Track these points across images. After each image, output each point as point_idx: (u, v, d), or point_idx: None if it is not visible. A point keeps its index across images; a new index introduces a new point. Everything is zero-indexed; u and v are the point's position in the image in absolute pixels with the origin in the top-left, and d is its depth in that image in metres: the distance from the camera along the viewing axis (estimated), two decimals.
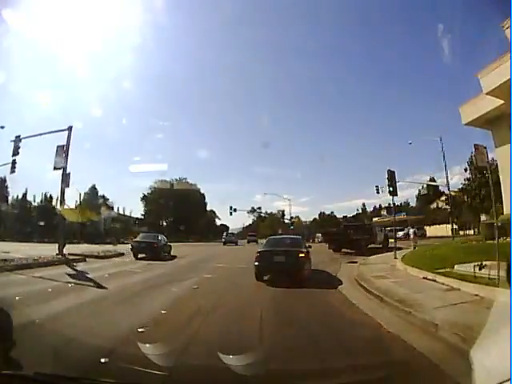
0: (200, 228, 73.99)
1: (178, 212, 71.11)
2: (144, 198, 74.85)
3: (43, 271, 11.98)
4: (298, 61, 64.77)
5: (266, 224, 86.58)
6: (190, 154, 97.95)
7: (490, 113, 18.66)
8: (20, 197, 57.73)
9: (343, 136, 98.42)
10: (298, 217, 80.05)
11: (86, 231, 48.53)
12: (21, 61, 42.20)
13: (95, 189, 66.11)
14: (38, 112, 57.15)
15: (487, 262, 8.50)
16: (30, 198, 58.51)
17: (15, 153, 20.97)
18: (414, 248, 20.33)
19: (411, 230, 22.92)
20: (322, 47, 64.89)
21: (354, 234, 23.95)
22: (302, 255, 10.97)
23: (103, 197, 68.61)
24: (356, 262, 15.81)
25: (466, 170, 33.68)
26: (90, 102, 63.85)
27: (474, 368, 1.85)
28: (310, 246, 13.57)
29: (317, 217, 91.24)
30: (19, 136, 21.29)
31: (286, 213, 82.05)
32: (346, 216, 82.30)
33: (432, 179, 57.95)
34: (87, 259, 17.53)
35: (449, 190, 28.91)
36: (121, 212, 69.85)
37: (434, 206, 66.21)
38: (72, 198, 55.77)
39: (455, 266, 9.89)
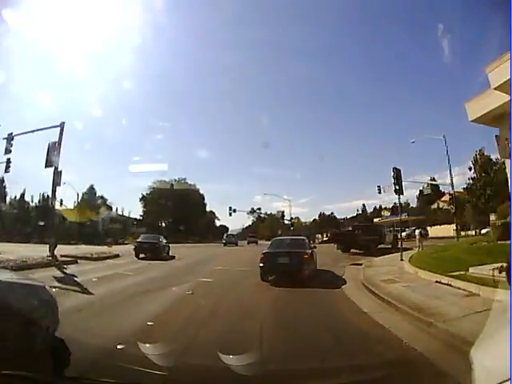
0: (199, 229, 73.38)
1: (178, 213, 70.52)
2: (143, 199, 74.26)
3: (29, 274, 11.14)
4: (297, 61, 64.31)
5: (265, 225, 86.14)
6: (189, 154, 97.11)
7: (497, 109, 17.99)
8: (18, 197, 57.06)
9: (343, 136, 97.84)
10: (297, 218, 79.40)
11: (84, 232, 47.96)
12: (20, 61, 41.84)
13: (93, 189, 65.47)
14: (37, 112, 56.45)
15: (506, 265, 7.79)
16: (28, 198, 57.77)
17: (8, 151, 20.36)
18: (421, 249, 19.61)
19: (417, 231, 22.14)
20: (321, 47, 64.64)
21: (362, 235, 23.84)
22: (306, 256, 11.07)
23: (102, 197, 68.34)
24: (361, 264, 15.04)
25: (470, 168, 33.06)
26: (90, 102, 63.58)
27: (473, 368, 1.81)
28: (314, 247, 13.45)
29: (317, 218, 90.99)
30: (11, 134, 20.68)
31: (285, 214, 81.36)
32: (354, 216, 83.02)
33: (432, 179, 57.24)
34: (79, 261, 16.84)
35: (453, 188, 28.18)
36: (119, 212, 69.47)
37: (434, 206, 65.77)
38: (70, 199, 55.31)
39: (470, 269, 9.18)
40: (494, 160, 31.96)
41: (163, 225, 76.02)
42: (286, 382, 3.45)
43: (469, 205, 37.75)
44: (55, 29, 44.03)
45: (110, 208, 67.88)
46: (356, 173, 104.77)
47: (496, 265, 8.06)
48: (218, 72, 73.53)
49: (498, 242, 14.18)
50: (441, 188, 56.56)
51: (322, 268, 13.40)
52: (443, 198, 64.96)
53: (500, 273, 7.75)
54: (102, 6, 41.02)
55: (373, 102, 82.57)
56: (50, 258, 16.03)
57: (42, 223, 42.58)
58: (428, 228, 49.16)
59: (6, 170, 20.95)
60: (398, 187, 16.26)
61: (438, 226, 49.55)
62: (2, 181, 52.73)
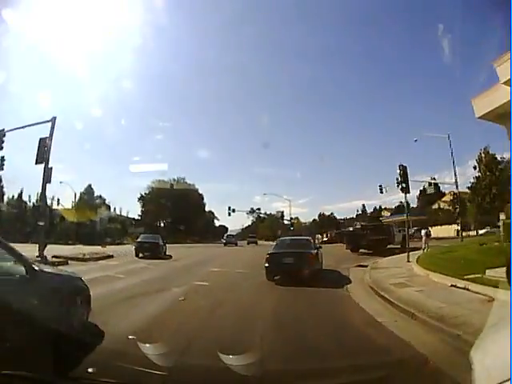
0: (199, 229, 72.67)
1: (176, 212, 69.81)
2: (141, 199, 73.40)
3: None
4: (298, 60, 63.71)
5: (265, 225, 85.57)
6: (189, 154, 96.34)
7: (504, 106, 17.29)
8: (16, 196, 56.24)
9: (343, 136, 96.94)
10: (297, 218, 78.71)
11: (82, 232, 47.22)
12: (20, 61, 41.47)
13: (91, 188, 64.76)
14: (37, 112, 57.52)
15: None
16: (25, 197, 56.92)
17: None
18: (426, 250, 18.88)
19: (423, 231, 21.39)
20: (322, 47, 63.66)
21: (371, 235, 23.75)
22: (311, 256, 11.11)
23: (100, 197, 67.77)
24: (366, 266, 14.27)
25: (475, 167, 32.28)
26: (90, 102, 63.80)
27: (473, 368, 1.79)
28: (320, 247, 13.33)
29: (316, 218, 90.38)
30: (3, 130, 19.95)
31: (285, 214, 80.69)
32: (354, 217, 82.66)
33: (433, 179, 56.74)
34: (70, 262, 16.07)
35: (457, 188, 27.48)
36: (118, 212, 68.96)
37: (435, 206, 65.22)
38: (69, 198, 54.69)
39: (486, 271, 8.45)
40: (499, 159, 31.33)
41: (162, 225, 75.34)
42: (286, 382, 3.45)
43: (470, 205, 37.10)
44: (55, 29, 43.77)
45: (109, 208, 67.61)
46: (356, 173, 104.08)
47: None
48: (219, 72, 73.11)
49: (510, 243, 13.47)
50: (441, 188, 56.12)
51: (327, 269, 12.91)
52: (444, 198, 64.67)
53: None
54: (102, 5, 40.86)
55: (373, 101, 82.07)
56: (39, 259, 15.22)
57: (41, 223, 42.93)
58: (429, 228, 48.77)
59: (1, 167, 20.27)
60: (404, 185, 15.50)
61: (439, 227, 49.03)
62: (0, 180, 52.05)
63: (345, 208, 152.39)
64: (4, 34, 24.95)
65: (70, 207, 52.65)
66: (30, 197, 56.49)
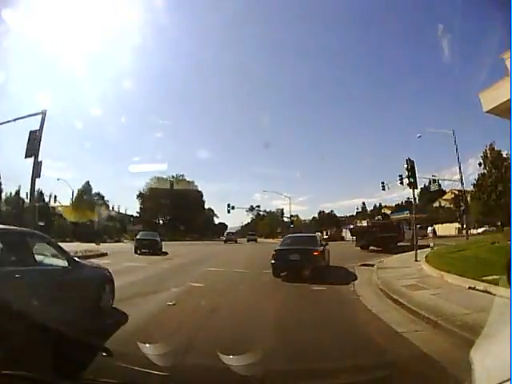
0: (198, 226, 72.01)
1: (175, 210, 69.22)
2: (140, 196, 72.67)
3: None
4: (298, 59, 63.20)
5: (265, 222, 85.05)
6: (189, 153, 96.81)
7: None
8: (13, 194, 55.41)
9: (343, 135, 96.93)
10: (297, 215, 77.93)
11: (79, 229, 46.49)
12: (20, 60, 41.00)
13: (89, 185, 63.95)
14: (37, 111, 55.26)
15: None
16: (23, 195, 56.08)
17: None
18: (432, 248, 18.14)
19: (430, 228, 20.68)
20: (322, 46, 63.57)
21: (381, 232, 23.63)
22: (317, 253, 11.09)
23: (98, 194, 67.27)
24: (372, 265, 13.50)
25: (480, 164, 31.40)
26: (90, 102, 63.75)
27: (473, 368, 1.80)
28: (326, 244, 13.26)
29: (316, 215, 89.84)
30: None
31: (285, 211, 79.96)
32: (359, 212, 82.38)
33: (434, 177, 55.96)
34: None
35: (462, 185, 26.73)
36: (116, 210, 68.50)
37: (436, 204, 64.65)
38: (67, 196, 54.17)
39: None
40: (505, 155, 30.50)
41: (161, 222, 74.71)
42: (285, 382, 3.45)
43: (473, 202, 36.32)
44: (55, 28, 43.50)
45: (107, 205, 67.13)
46: (355, 171, 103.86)
47: None
48: (219, 71, 73.28)
49: None
50: (441, 186, 55.47)
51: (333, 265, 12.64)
52: (445, 197, 64.10)
53: None
54: (102, 5, 40.46)
55: (372, 100, 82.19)
56: None
57: (41, 223, 41.01)
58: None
59: None
60: (412, 180, 14.69)
61: (440, 225, 48.48)
62: None
63: (345, 206, 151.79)
64: (3, 34, 24.64)
65: (68, 205, 52.23)
66: (27, 194, 55.63)
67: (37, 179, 17.58)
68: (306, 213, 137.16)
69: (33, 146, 17.26)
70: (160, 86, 74.92)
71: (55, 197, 51.40)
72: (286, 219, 74.45)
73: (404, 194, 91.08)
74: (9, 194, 54.49)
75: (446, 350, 4.31)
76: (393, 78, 74.60)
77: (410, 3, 49.53)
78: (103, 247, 26.59)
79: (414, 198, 15.73)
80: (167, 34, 54.27)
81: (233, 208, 56.36)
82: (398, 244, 23.12)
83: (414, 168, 14.63)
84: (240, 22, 53.15)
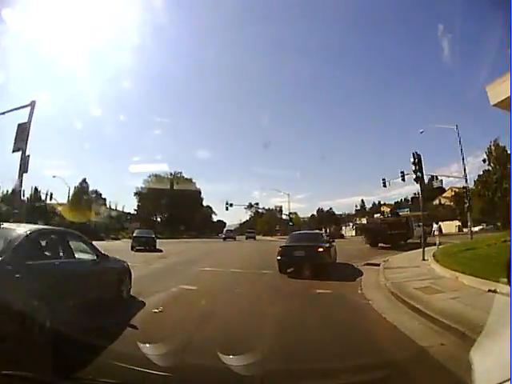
0: (196, 224, 71.42)
1: (173, 207, 68.62)
2: (137, 193, 71.86)
3: None
4: (298, 58, 62.93)
5: (263, 220, 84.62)
6: (188, 151, 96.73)
7: None
8: (10, 191, 54.68)
9: (341, 132, 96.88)
10: (295, 213, 77.37)
11: (75, 227, 45.60)
12: (19, 60, 40.48)
13: (86, 183, 63.27)
14: (37, 111, 54.78)
15: None
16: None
17: None
18: (438, 246, 17.43)
19: (435, 226, 19.96)
20: (321, 45, 63.40)
21: (390, 229, 23.64)
22: (322, 250, 11.22)
23: (96, 192, 66.70)
24: (378, 265, 12.75)
25: (484, 161, 30.68)
26: (90, 101, 64.12)
27: (473, 368, 1.81)
28: (333, 241, 13.40)
29: (315, 213, 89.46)
30: None
31: (283, 209, 79.47)
32: (358, 209, 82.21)
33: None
34: None
35: (466, 182, 26.04)
36: (113, 207, 67.84)
37: (435, 202, 64.09)
38: (64, 194, 53.58)
39: None
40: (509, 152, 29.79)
41: (158, 220, 73.99)
42: (285, 382, 3.41)
43: (473, 199, 35.64)
44: (54, 28, 44.37)
45: (104, 203, 66.51)
46: (354, 169, 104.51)
47: None
48: (219, 70, 72.92)
49: None
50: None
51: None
52: (444, 194, 63.55)
53: None
54: (101, 4, 40.39)
55: (371, 99, 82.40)
56: None
57: (41, 223, 41.74)
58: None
59: None
60: (419, 174, 13.91)
61: (441, 223, 47.93)
62: None
63: (343, 203, 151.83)
64: (2, 34, 25.41)
65: (65, 202, 51.52)
66: (24, 192, 54.94)
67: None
68: (305, 210, 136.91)
69: (21, 140, 16.47)
70: (159, 86, 76.16)
71: (51, 194, 50.69)
72: (284, 217, 74.18)
73: (403, 191, 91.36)
74: (5, 191, 54.12)
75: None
76: (392, 77, 74.69)
77: (409, 2, 49.12)
78: (99, 245, 25.80)
79: (422, 195, 14.93)
80: (166, 33, 54.88)
81: (231, 205, 55.89)
82: (408, 241, 22.93)
83: (421, 162, 13.88)
84: (239, 21, 53.12)
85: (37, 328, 4.24)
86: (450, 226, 49.61)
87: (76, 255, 6.12)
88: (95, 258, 6.56)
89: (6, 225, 5.51)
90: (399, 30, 57.13)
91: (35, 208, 49.18)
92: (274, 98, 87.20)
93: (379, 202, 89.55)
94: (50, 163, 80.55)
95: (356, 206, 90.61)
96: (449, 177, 33.00)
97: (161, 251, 21.98)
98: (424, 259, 13.06)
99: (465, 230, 47.15)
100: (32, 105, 17.55)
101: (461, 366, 3.49)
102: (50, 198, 51.55)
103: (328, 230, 54.85)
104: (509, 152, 29.78)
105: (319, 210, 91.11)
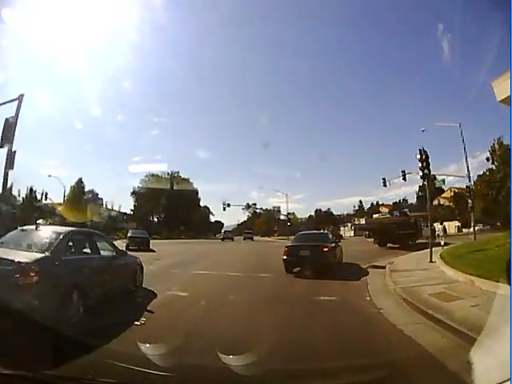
0: (193, 224, 70.57)
1: (170, 207, 68.03)
2: (134, 193, 70.96)
3: None
4: (297, 58, 62.43)
5: (261, 220, 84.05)
6: (186, 151, 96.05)
7: None
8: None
9: (340, 133, 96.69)
10: (293, 213, 76.85)
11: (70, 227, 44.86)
12: (18, 60, 40.03)
13: (82, 183, 62.60)
14: (37, 111, 57.55)
15: None
16: (15, 192, 54.57)
17: None
18: (443, 247, 16.75)
19: (440, 226, 19.30)
20: (321, 45, 63.21)
21: (398, 229, 23.58)
22: (327, 249, 11.31)
23: (92, 192, 66.02)
24: (383, 267, 12.03)
25: (488, 159, 30.04)
26: (88, 100, 63.83)
27: (474, 368, 1.82)
28: (338, 241, 13.59)
29: (313, 214, 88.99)
30: None
31: (281, 209, 78.92)
32: (357, 210, 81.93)
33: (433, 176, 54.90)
34: None
35: (469, 180, 25.41)
36: (110, 207, 67.19)
37: (435, 202, 63.56)
38: (59, 193, 52.86)
39: None
40: None
41: (155, 220, 73.17)
42: (286, 382, 3.33)
43: (475, 199, 35.07)
44: (52, 27, 42.30)
45: (101, 203, 65.87)
46: (352, 169, 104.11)
47: None
48: (218, 70, 72.70)
49: None
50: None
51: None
52: (443, 195, 63.03)
53: None
54: (99, 3, 39.89)
55: (370, 99, 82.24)
56: None
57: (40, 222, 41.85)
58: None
59: None
60: (427, 171, 13.20)
61: (445, 223, 47.49)
62: None
63: (341, 204, 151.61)
64: (2, 34, 24.41)
65: (61, 202, 50.81)
66: (19, 191, 54.29)
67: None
68: (303, 211, 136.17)
69: (7, 135, 15.69)
70: (157, 85, 75.76)
71: (46, 194, 49.98)
72: (282, 217, 73.54)
73: (400, 192, 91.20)
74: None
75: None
76: (390, 76, 74.56)
77: (409, 2, 48.77)
78: None
79: (430, 192, 14.18)
80: (165, 32, 54.15)
81: (228, 205, 55.11)
82: (417, 241, 22.80)
83: (428, 159, 13.19)
84: (238, 20, 52.62)
85: (71, 306, 5.39)
86: (449, 227, 49.16)
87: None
88: (115, 254, 7.65)
89: (43, 227, 6.98)
90: (398, 29, 56.57)
91: (34, 208, 48.92)
92: (272, 97, 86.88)
93: (377, 203, 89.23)
94: (48, 163, 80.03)
95: (354, 207, 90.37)
96: (451, 176, 32.41)
97: (154, 251, 21.52)
98: (431, 261, 12.37)
99: (464, 230, 46.70)
100: (20, 99, 16.84)
101: None
102: (45, 198, 50.93)
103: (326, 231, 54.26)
104: None
105: (317, 211, 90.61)
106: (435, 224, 20.62)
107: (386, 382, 3.05)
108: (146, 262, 15.24)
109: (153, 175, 69.15)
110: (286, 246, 12.01)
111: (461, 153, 25.40)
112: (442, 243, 17.22)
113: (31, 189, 53.20)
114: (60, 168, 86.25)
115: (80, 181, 61.05)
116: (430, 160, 13.21)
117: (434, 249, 14.44)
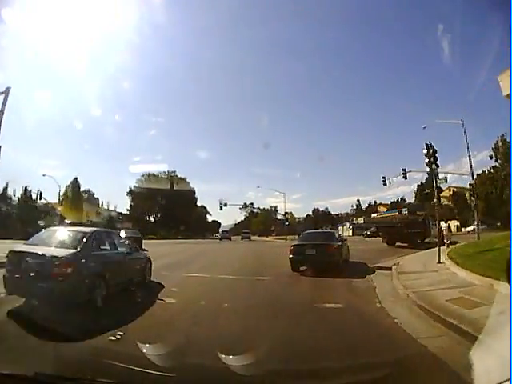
0: (190, 224, 69.89)
1: (167, 207, 67.63)
2: (130, 193, 70.14)
3: None
4: (295, 58, 62.22)
5: (258, 220, 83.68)
6: (183, 150, 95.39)
7: None
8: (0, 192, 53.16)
9: (338, 133, 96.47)
10: (291, 213, 76.33)
11: (64, 226, 44.13)
12: (17, 60, 39.68)
13: (77, 182, 62.05)
14: (37, 111, 59.85)
15: None
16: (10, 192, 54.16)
17: None
18: (447, 247, 16.13)
19: (444, 225, 18.65)
20: (319, 45, 63.15)
21: (407, 228, 23.77)
22: (332, 248, 11.41)
23: (88, 191, 65.59)
24: (389, 269, 11.30)
25: (491, 157, 29.39)
26: (86, 100, 64.28)
27: (474, 368, 1.84)
28: (345, 239, 13.64)
29: (310, 213, 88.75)
30: None
31: (278, 209, 78.42)
32: (355, 209, 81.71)
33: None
34: None
35: (473, 178, 24.69)
36: (105, 207, 66.98)
37: (433, 201, 63.04)
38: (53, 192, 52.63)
39: None
40: None
41: (152, 220, 72.40)
42: (285, 382, 3.32)
43: (493, 196, 34.48)
44: (51, 27, 44.42)
45: (97, 202, 65.33)
46: (350, 169, 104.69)
47: None
48: (216, 70, 72.38)
49: None
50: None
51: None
52: (442, 194, 62.62)
53: None
54: (98, 4, 41.22)
55: (368, 99, 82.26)
56: None
57: (42, 223, 42.05)
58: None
59: None
60: (434, 166, 12.46)
61: (449, 222, 47.05)
62: None
63: (338, 204, 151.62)
64: (2, 34, 25.65)
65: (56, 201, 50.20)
66: (14, 191, 53.69)
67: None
68: (300, 211, 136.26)
69: None
70: (156, 85, 76.59)
71: (40, 193, 49.35)
72: (279, 217, 72.93)
73: (398, 191, 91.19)
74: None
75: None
76: (388, 77, 74.46)
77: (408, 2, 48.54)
78: None
79: (438, 188, 13.45)
80: (164, 33, 53.89)
81: (225, 205, 54.44)
82: (425, 240, 22.98)
83: (436, 152, 12.46)
84: (236, 20, 52.58)
85: (96, 292, 6.41)
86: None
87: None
88: (128, 250, 8.65)
89: (70, 228, 8.41)
90: (396, 28, 56.34)
91: (30, 208, 48.48)
92: (270, 97, 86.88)
93: (375, 202, 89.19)
94: (46, 163, 79.48)
95: (352, 206, 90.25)
96: (454, 174, 31.66)
97: (146, 251, 20.50)
98: (440, 262, 11.66)
99: (463, 229, 46.21)
100: (6, 92, 16.10)
101: None
102: (40, 198, 50.36)
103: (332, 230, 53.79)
104: None
105: (315, 210, 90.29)
106: (441, 223, 20.00)
107: (384, 381, 2.98)
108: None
109: (149, 175, 68.56)
110: (292, 245, 12.06)
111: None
112: (448, 242, 16.61)
113: (26, 188, 52.64)
114: (58, 168, 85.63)
115: (75, 180, 60.64)
116: (437, 155, 12.48)
117: (436, 249, 13.83)
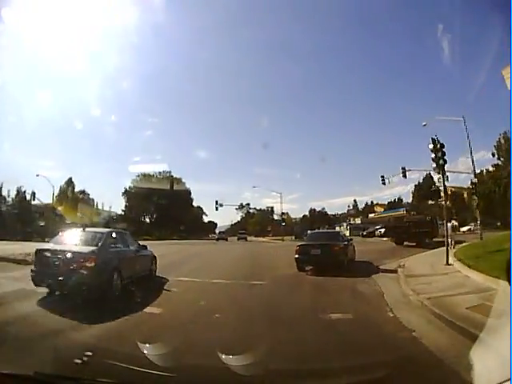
0: (186, 224, 68.82)
1: (162, 208, 66.70)
2: (125, 193, 69.17)
3: None
4: (294, 59, 62.04)
5: (255, 220, 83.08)
6: (182, 150, 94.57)
7: None
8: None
9: (335, 133, 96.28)
10: (287, 213, 75.56)
11: (57, 227, 43.30)
12: (15, 59, 39.34)
13: (72, 182, 61.24)
14: (37, 111, 56.90)
15: None
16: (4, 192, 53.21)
17: None
18: (452, 247, 15.48)
19: (449, 224, 18.01)
20: (318, 46, 62.74)
21: (415, 228, 23.64)
22: (337, 248, 11.50)
23: (83, 192, 64.70)
24: (395, 272, 10.58)
25: (493, 154, 28.87)
26: (85, 100, 64.22)
27: (474, 367, 1.81)
28: (351, 239, 13.75)
29: (307, 213, 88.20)
30: None
31: (275, 209, 77.77)
32: (351, 209, 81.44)
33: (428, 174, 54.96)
34: None
35: (475, 176, 24.09)
36: (100, 207, 65.92)
37: (431, 201, 62.87)
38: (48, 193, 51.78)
39: None
40: None
41: (147, 220, 71.49)
42: (286, 382, 3.28)
43: (472, 199, 34.05)
44: (51, 27, 42.47)
45: (91, 203, 64.57)
46: (346, 170, 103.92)
47: None
48: (215, 71, 71.95)
49: None
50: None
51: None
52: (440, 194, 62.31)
53: None
54: (97, 5, 40.47)
55: (365, 99, 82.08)
56: None
57: (42, 223, 44.11)
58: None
59: None
60: (442, 162, 11.75)
61: (453, 221, 46.68)
62: None
63: (335, 204, 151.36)
64: (1, 34, 25.40)
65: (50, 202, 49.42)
66: (9, 192, 52.76)
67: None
68: (296, 211, 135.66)
69: None
70: (152, 85, 75.13)
71: (34, 194, 48.67)
72: (276, 217, 72.34)
73: (394, 192, 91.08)
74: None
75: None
76: (386, 78, 74.16)
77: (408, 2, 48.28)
78: None
79: (444, 187, 12.70)
80: (163, 33, 53.64)
81: (221, 205, 53.67)
82: (434, 239, 22.51)
83: (443, 147, 11.76)
84: (234, 22, 52.31)
85: (114, 283, 7.61)
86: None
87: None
88: (137, 247, 9.83)
89: (88, 228, 8.89)
90: (395, 29, 56.00)
91: (25, 208, 47.80)
92: (267, 98, 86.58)
93: (372, 202, 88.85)
94: (43, 164, 78.71)
95: (348, 206, 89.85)
96: (455, 172, 31.13)
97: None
98: (448, 263, 10.96)
99: (460, 229, 45.82)
100: None
101: None
102: (34, 198, 49.64)
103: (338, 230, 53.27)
104: None
105: (311, 211, 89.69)
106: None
107: (384, 381, 2.91)
108: None
109: (144, 175, 67.62)
110: (298, 245, 12.14)
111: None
112: (453, 242, 15.98)
113: (19, 189, 51.83)
114: (54, 169, 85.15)
115: (70, 181, 59.87)
116: (445, 149, 11.78)
117: (440, 249, 13.27)
